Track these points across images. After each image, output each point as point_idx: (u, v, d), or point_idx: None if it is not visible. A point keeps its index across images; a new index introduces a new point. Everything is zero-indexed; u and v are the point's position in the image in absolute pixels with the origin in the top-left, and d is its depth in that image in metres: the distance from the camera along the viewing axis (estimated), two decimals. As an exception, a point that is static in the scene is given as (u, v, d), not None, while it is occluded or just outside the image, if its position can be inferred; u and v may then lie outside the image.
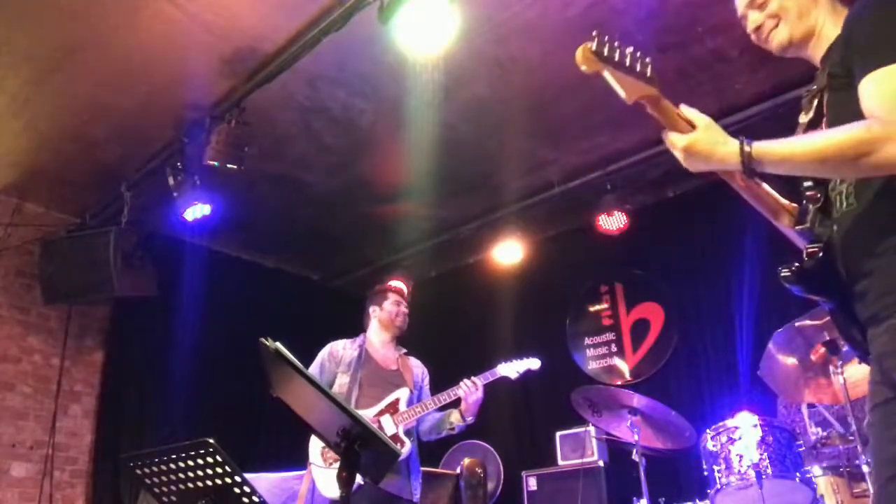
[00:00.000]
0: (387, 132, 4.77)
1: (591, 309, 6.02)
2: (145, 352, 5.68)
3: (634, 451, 3.79)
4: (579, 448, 4.98)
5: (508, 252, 5.79)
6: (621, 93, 1.54)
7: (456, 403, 3.49)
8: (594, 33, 1.52)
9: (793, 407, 4.00)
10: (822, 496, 3.33)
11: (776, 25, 1.69)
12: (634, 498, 3.89)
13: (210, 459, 2.00)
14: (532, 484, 5.10)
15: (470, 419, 3.49)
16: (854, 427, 3.09)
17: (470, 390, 3.43)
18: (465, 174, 5.35)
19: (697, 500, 3.75)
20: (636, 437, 3.78)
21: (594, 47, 1.51)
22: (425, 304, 6.47)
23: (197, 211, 4.61)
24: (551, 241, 6.21)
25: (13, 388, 5.14)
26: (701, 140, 1.58)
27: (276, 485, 4.01)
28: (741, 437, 3.41)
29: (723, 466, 3.44)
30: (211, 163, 4.12)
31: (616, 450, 4.82)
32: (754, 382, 4.31)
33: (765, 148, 1.49)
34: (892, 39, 1.39)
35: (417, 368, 3.79)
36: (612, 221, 5.24)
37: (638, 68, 1.55)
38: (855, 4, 1.51)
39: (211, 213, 4.64)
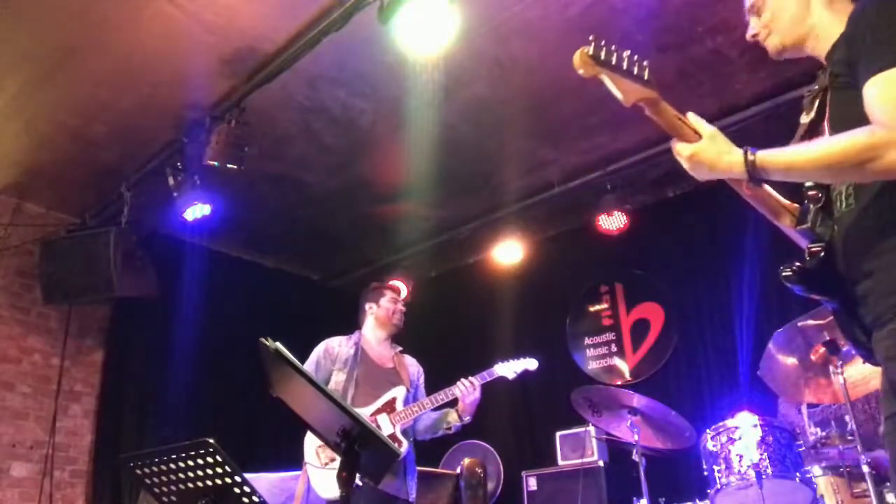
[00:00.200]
0: (387, 132, 4.77)
1: (591, 309, 6.02)
2: (145, 352, 5.68)
3: (634, 451, 3.79)
4: (579, 448, 4.98)
5: (508, 252, 5.80)
6: (619, 96, 1.56)
7: (453, 403, 3.48)
8: (591, 38, 1.54)
9: (792, 407, 4.00)
10: (822, 496, 3.33)
11: (769, 34, 1.72)
12: (634, 498, 3.89)
13: (210, 459, 2.00)
14: (532, 484, 5.10)
15: (467, 419, 3.48)
16: (853, 427, 3.09)
17: (467, 390, 3.42)
18: (465, 174, 5.35)
19: (697, 500, 3.75)
20: (636, 437, 3.78)
21: (591, 51, 1.54)
22: (425, 304, 6.48)
23: (197, 211, 4.61)
24: (551, 241, 6.21)
25: (13, 388, 5.14)
26: (706, 149, 1.59)
27: (275, 485, 4.01)
28: (741, 437, 3.41)
29: (723, 466, 3.43)
30: (211, 163, 4.12)
31: (616, 450, 4.82)
32: (754, 382, 4.31)
33: (769, 156, 1.51)
34: (892, 43, 1.38)
35: (413, 367, 3.78)
36: (612, 221, 5.24)
37: (635, 71, 1.57)
38: (858, 3, 1.51)
39: (211, 213, 4.64)
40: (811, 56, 1.70)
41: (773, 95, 4.37)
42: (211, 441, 1.97)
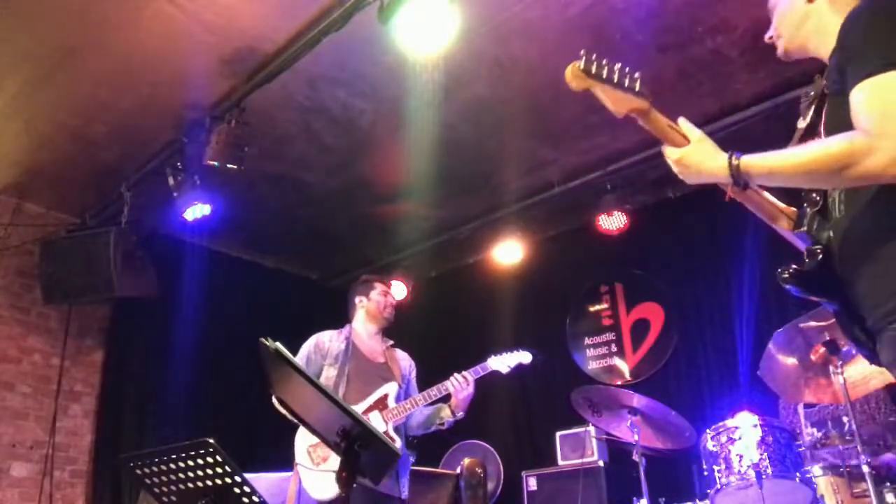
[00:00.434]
0: (387, 132, 4.77)
1: (591, 309, 6.02)
2: (145, 352, 5.68)
3: (634, 451, 3.79)
4: (579, 448, 4.98)
5: (508, 252, 5.80)
6: (611, 107, 1.63)
7: (446, 398, 3.42)
8: (582, 52, 1.60)
9: (790, 407, 4.00)
10: (822, 496, 3.33)
11: (778, 37, 1.77)
12: (634, 498, 3.89)
13: (210, 459, 2.00)
14: (532, 484, 5.10)
15: (460, 415, 3.43)
16: (853, 427, 3.09)
17: (460, 385, 3.37)
18: (465, 174, 5.35)
19: (697, 500, 3.75)
20: (636, 437, 3.78)
21: (582, 66, 1.61)
22: (425, 304, 6.49)
23: (197, 211, 4.61)
24: (551, 241, 6.21)
25: (13, 388, 5.14)
26: (692, 153, 1.64)
27: (275, 485, 4.01)
28: (741, 437, 3.41)
29: (723, 466, 3.44)
30: (211, 163, 4.12)
31: (616, 450, 4.82)
32: (754, 382, 4.31)
33: (752, 161, 1.54)
34: (881, 49, 1.40)
35: (405, 361, 3.72)
36: (612, 221, 5.24)
37: (626, 83, 1.62)
38: (850, 11, 1.53)
39: (211, 213, 4.64)
40: (816, 58, 1.72)
41: (773, 95, 4.36)
42: (211, 441, 1.97)
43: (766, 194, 1.81)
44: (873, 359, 1.60)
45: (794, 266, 1.61)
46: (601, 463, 4.84)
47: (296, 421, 3.37)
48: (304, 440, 3.37)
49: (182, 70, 4.13)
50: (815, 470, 3.41)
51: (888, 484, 3.17)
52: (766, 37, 1.81)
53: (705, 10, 3.78)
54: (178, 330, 5.46)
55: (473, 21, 3.68)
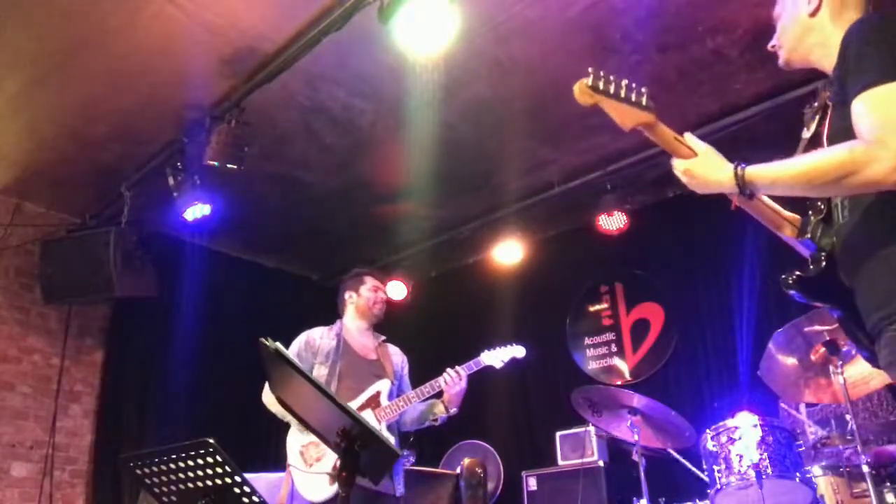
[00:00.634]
0: (387, 132, 4.77)
1: (591, 309, 6.02)
2: (145, 352, 5.68)
3: (634, 451, 3.79)
4: (579, 448, 4.98)
5: (508, 252, 5.79)
6: (618, 121, 1.71)
7: (440, 394, 3.38)
8: (590, 69, 1.67)
9: (793, 405, 4.01)
10: (822, 496, 3.33)
11: (780, 47, 1.82)
12: (634, 498, 3.89)
13: (210, 459, 2.00)
14: (532, 484, 5.10)
15: (453, 410, 3.38)
16: (853, 427, 3.09)
17: (453, 381, 3.33)
18: (465, 174, 5.35)
19: (697, 500, 3.75)
20: (636, 437, 3.78)
21: (590, 82, 1.69)
22: (425, 304, 6.49)
23: (197, 211, 4.61)
24: (551, 241, 6.21)
25: (13, 388, 5.14)
26: (699, 165, 1.70)
27: (275, 485, 4.00)
28: (741, 437, 3.42)
29: (723, 466, 3.44)
30: (211, 163, 4.12)
31: (616, 450, 4.82)
32: (754, 382, 4.31)
33: (757, 171, 1.59)
34: (880, 61, 1.44)
35: (397, 357, 3.66)
36: (612, 221, 5.24)
37: (633, 98, 1.69)
38: (850, 26, 1.57)
39: (211, 213, 4.64)
40: (818, 70, 1.76)
41: (773, 95, 4.36)
42: (211, 441, 1.97)
43: (771, 203, 1.86)
44: (876, 363, 1.62)
45: (797, 272, 1.67)
46: (601, 463, 4.84)
47: (286, 420, 3.39)
48: (296, 441, 3.34)
49: (182, 70, 4.13)
50: (815, 470, 3.41)
51: (888, 484, 3.17)
52: (769, 45, 1.86)
53: (705, 10, 3.78)
54: (177, 330, 5.46)
55: (473, 21, 3.68)
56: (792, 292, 1.68)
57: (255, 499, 2.03)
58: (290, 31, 3.83)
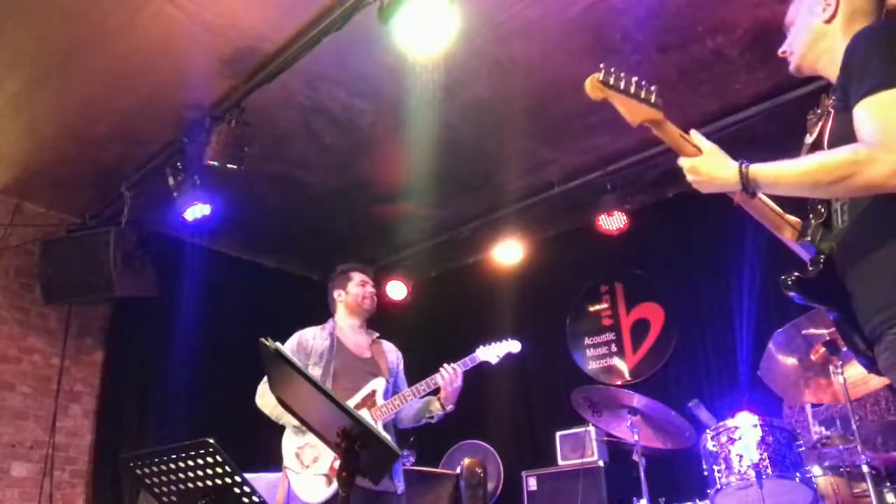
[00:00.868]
0: (387, 132, 4.77)
1: (591, 309, 6.03)
2: (145, 352, 5.68)
3: (634, 451, 3.79)
4: (579, 448, 4.98)
5: (508, 252, 5.79)
6: (627, 116, 1.74)
7: (436, 391, 3.34)
8: (601, 65, 1.73)
9: (797, 405, 4.01)
10: (822, 496, 3.33)
11: (791, 53, 1.86)
12: (634, 498, 3.89)
13: (210, 459, 2.00)
14: (532, 484, 5.10)
15: (450, 408, 3.35)
16: (853, 427, 3.09)
17: (450, 378, 3.30)
18: (465, 174, 5.35)
19: (697, 500, 3.75)
20: (636, 437, 3.78)
21: (601, 77, 1.73)
22: (425, 304, 6.49)
23: (197, 211, 4.60)
24: (551, 241, 6.21)
25: (13, 388, 5.14)
26: (705, 162, 1.72)
27: (275, 484, 4.00)
28: (741, 437, 3.42)
29: (723, 466, 3.44)
30: (211, 163, 4.12)
31: (616, 450, 4.83)
32: (754, 382, 4.31)
33: (761, 170, 1.62)
34: (882, 69, 1.48)
35: (392, 354, 3.62)
36: (612, 221, 5.24)
37: (642, 95, 1.74)
38: (853, 36, 1.61)
39: (211, 213, 4.63)
40: (824, 77, 1.81)
41: (773, 95, 4.36)
42: (211, 441, 1.97)
43: (772, 204, 1.89)
44: (871, 367, 1.66)
45: (796, 274, 1.70)
46: (601, 463, 4.84)
47: (280, 422, 3.39)
48: (291, 443, 3.32)
49: (182, 70, 4.13)
50: (815, 470, 3.41)
51: (888, 484, 3.17)
52: (780, 52, 1.90)
53: (705, 10, 3.78)
54: (177, 330, 5.46)
55: (473, 21, 3.68)
56: (791, 294, 1.72)
57: (255, 499, 2.03)
58: (290, 31, 3.83)
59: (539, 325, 6.07)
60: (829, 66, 1.73)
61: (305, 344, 3.48)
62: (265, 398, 3.42)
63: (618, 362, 5.74)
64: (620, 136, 4.85)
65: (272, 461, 4.05)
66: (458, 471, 5.25)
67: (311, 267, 6.96)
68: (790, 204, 1.87)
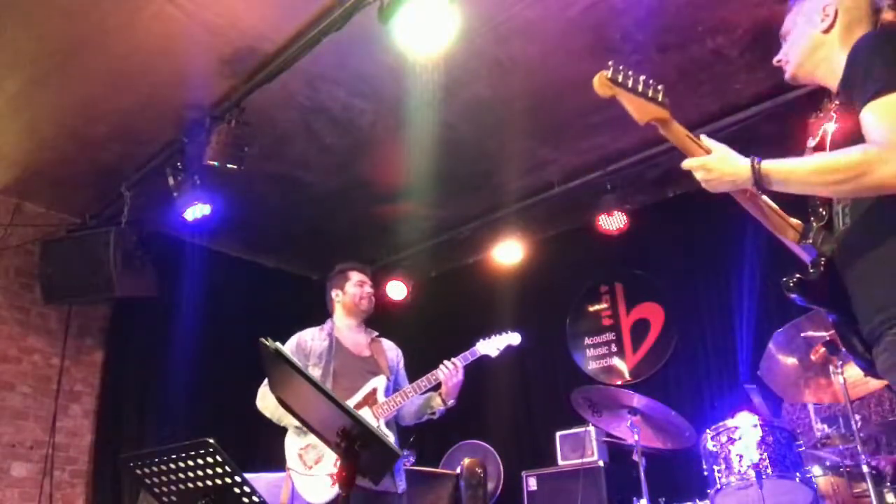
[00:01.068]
0: (387, 132, 4.77)
1: (591, 309, 6.03)
2: (145, 352, 5.68)
3: (634, 451, 3.79)
4: (579, 448, 4.98)
5: (508, 252, 5.79)
6: (634, 115, 1.75)
7: (436, 387, 3.34)
8: (610, 63, 1.74)
9: (798, 403, 4.01)
10: (822, 496, 3.33)
11: (787, 62, 1.89)
12: (634, 498, 3.89)
13: (210, 459, 2.00)
14: (532, 484, 5.10)
15: (451, 403, 3.34)
16: (853, 427, 3.09)
17: (450, 373, 3.29)
18: (465, 174, 5.35)
19: (697, 500, 3.75)
20: (636, 437, 3.78)
21: (610, 74, 1.74)
22: (425, 304, 6.49)
23: (197, 211, 4.60)
24: (551, 241, 6.21)
25: (13, 388, 5.14)
26: (716, 159, 1.73)
27: (275, 484, 4.00)
28: (741, 437, 3.42)
29: (723, 466, 3.44)
30: (211, 163, 4.12)
31: (616, 450, 4.82)
32: (754, 382, 4.31)
33: (773, 166, 1.64)
34: (887, 73, 1.52)
35: (391, 351, 3.61)
36: (612, 221, 5.24)
37: (650, 94, 1.74)
38: (856, 42, 1.64)
39: (211, 213, 4.63)
40: (821, 86, 1.83)
41: (773, 95, 4.36)
42: (211, 441, 1.97)
43: (775, 206, 1.90)
44: (869, 370, 1.68)
45: (797, 275, 1.72)
46: (601, 463, 4.84)
47: (282, 424, 3.38)
48: (294, 444, 3.32)
49: (182, 70, 4.13)
50: (815, 470, 3.41)
51: (888, 484, 3.17)
52: (775, 61, 1.93)
53: (705, 10, 3.79)
54: (177, 330, 5.46)
55: (473, 21, 3.68)
56: (793, 295, 1.73)
57: (255, 499, 2.03)
58: (290, 31, 3.83)
59: (539, 325, 6.06)
60: (828, 75, 1.77)
61: (304, 345, 3.47)
62: (266, 401, 3.42)
63: (618, 362, 5.74)
64: (620, 136, 4.86)
65: (272, 461, 4.05)
66: (458, 471, 5.25)
67: (311, 267, 6.96)
68: (790, 206, 1.88)
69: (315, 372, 3.37)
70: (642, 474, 3.72)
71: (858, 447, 3.02)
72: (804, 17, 1.82)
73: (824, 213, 1.76)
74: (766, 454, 3.31)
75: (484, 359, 3.50)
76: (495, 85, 4.35)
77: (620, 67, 1.74)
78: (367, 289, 3.65)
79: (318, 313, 3.79)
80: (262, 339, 1.90)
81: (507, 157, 5.16)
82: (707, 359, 5.15)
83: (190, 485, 2.08)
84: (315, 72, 4.17)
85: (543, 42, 3.99)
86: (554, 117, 4.68)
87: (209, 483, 2.04)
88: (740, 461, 3.36)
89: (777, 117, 4.35)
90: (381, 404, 3.31)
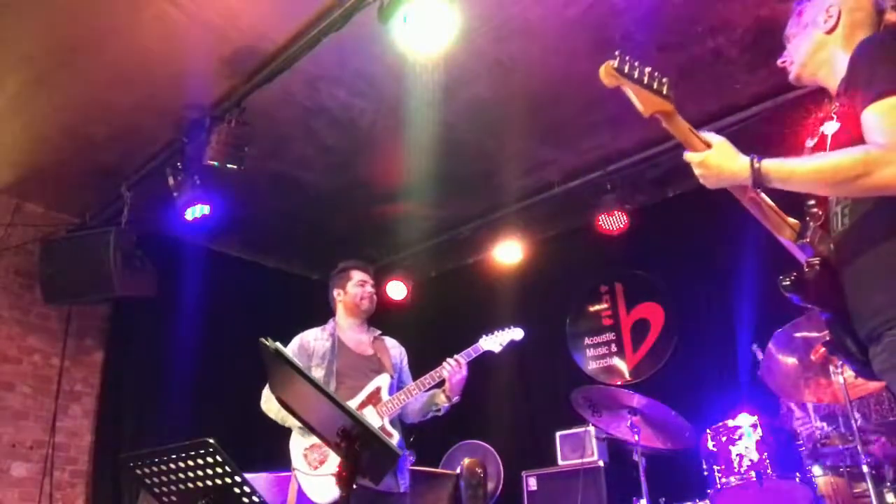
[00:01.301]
0: (387, 132, 4.77)
1: (591, 309, 6.03)
2: (145, 352, 5.68)
3: (634, 451, 3.79)
4: (579, 448, 4.98)
5: (508, 252, 5.79)
6: (639, 106, 1.73)
7: (440, 383, 3.34)
8: (616, 53, 1.72)
9: (798, 403, 4.00)
10: (822, 496, 3.33)
11: (791, 64, 1.91)
12: (634, 498, 3.89)
13: (210, 459, 2.00)
14: (532, 484, 5.10)
15: (455, 399, 3.35)
16: (853, 426, 3.09)
17: (454, 370, 3.30)
18: (465, 174, 5.35)
19: (697, 501, 3.75)
20: (636, 437, 3.78)
21: (616, 65, 1.72)
22: (425, 304, 6.49)
23: (197, 211, 4.60)
24: (551, 241, 6.21)
25: (13, 388, 5.14)
26: (714, 156, 1.72)
27: (275, 484, 4.01)
28: (741, 437, 3.42)
29: (723, 466, 3.44)
30: (211, 163, 4.12)
31: (616, 450, 4.82)
32: (754, 382, 4.31)
33: (773, 164, 1.64)
34: (888, 75, 1.53)
35: (394, 349, 3.62)
36: (612, 221, 5.24)
37: (655, 86, 1.73)
38: (858, 44, 1.65)
39: (211, 213, 4.63)
40: (823, 87, 1.85)
41: (773, 95, 4.37)
42: (211, 441, 1.97)
43: (773, 205, 1.90)
44: (861, 371, 1.70)
45: (794, 274, 1.72)
46: (601, 463, 4.84)
47: (286, 425, 3.38)
48: (298, 445, 3.31)
49: (182, 70, 4.13)
50: (816, 470, 3.41)
51: (888, 484, 3.17)
52: (779, 62, 1.95)
53: (705, 10, 3.79)
54: (178, 330, 5.46)
55: (473, 21, 3.68)
56: (789, 294, 1.74)
57: (255, 499, 2.03)
58: (291, 31, 3.83)
59: (539, 325, 6.05)
60: (829, 76, 1.78)
61: (307, 346, 3.48)
62: (269, 403, 3.42)
63: (618, 362, 5.74)
64: (620, 135, 4.86)
65: (272, 461, 4.05)
66: (458, 471, 5.25)
67: (311, 267, 6.96)
68: (786, 205, 1.88)
69: (318, 372, 3.36)
70: (642, 474, 3.72)
71: (858, 447, 3.02)
72: (807, 18, 1.83)
73: (820, 213, 1.77)
74: (765, 454, 3.32)
75: (487, 354, 3.50)
76: (495, 85, 4.35)
77: (627, 58, 1.72)
78: (369, 288, 3.65)
79: (318, 313, 3.79)
80: (262, 340, 1.90)
81: (507, 157, 5.16)
82: (707, 359, 5.15)
83: (190, 485, 2.08)
84: (315, 72, 4.17)
85: (543, 42, 3.99)
86: (554, 117, 4.68)
87: (209, 483, 2.04)
88: (740, 461, 3.36)
89: (777, 117, 4.35)
90: (385, 402, 3.31)
